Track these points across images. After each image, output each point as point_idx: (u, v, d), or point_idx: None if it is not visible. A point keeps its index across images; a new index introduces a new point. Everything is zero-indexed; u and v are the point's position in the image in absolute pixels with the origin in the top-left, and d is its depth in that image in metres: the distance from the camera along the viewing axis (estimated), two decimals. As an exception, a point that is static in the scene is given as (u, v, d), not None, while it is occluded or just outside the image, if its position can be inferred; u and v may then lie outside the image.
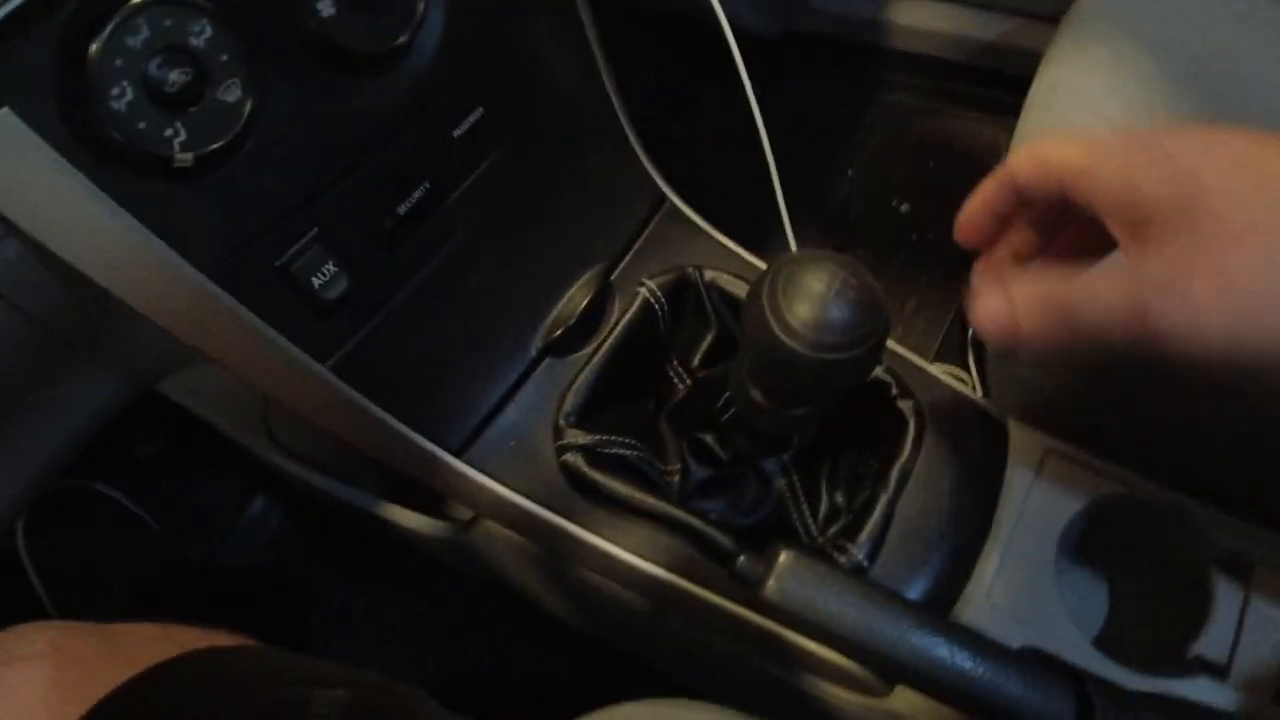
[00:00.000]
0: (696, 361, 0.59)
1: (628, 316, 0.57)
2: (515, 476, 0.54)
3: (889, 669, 0.43)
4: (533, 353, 0.56)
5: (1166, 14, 0.67)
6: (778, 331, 0.40)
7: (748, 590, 0.45)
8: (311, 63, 0.44)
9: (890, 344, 0.56)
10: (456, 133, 0.51)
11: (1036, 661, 0.43)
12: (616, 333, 0.56)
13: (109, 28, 0.36)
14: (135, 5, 0.36)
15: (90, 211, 0.38)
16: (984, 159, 0.99)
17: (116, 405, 0.60)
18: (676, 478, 0.56)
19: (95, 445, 0.59)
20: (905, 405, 0.54)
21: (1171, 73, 0.64)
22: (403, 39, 0.46)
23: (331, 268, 0.47)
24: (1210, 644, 0.48)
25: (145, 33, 0.37)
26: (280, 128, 0.43)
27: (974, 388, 0.86)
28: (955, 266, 0.50)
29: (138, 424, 0.90)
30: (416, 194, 0.50)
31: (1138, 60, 0.65)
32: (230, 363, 0.48)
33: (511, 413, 0.55)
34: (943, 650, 0.42)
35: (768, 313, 0.41)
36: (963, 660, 0.42)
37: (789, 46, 1.04)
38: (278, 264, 0.44)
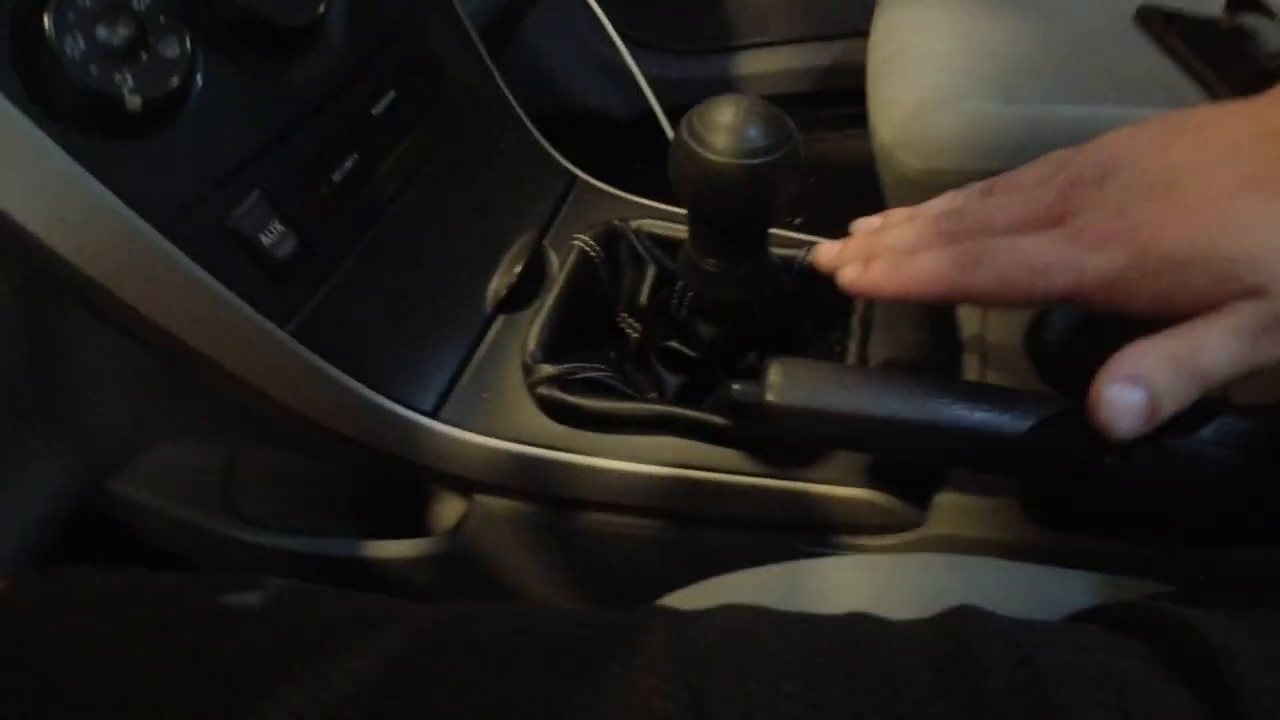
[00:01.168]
0: (643, 304, 0.61)
1: (568, 265, 0.59)
2: (496, 424, 0.53)
3: (912, 440, 0.42)
4: (486, 311, 0.57)
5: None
6: (705, 154, 0.43)
7: (748, 415, 0.44)
8: (238, 38, 0.47)
9: None
10: (374, 111, 0.55)
11: (1055, 397, 0.43)
12: (562, 279, 0.58)
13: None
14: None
15: (48, 170, 0.39)
16: (857, 167, 1.09)
17: (78, 494, 0.58)
18: (654, 397, 0.56)
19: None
20: None
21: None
22: (318, 13, 0.50)
23: (278, 226, 0.48)
24: None
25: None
26: (218, 94, 0.46)
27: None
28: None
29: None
30: (348, 163, 0.52)
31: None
32: (191, 336, 0.47)
33: (477, 368, 0.55)
34: (960, 404, 0.42)
35: (692, 144, 0.44)
36: (984, 412, 0.42)
37: (656, 123, 1.13)
38: (227, 224, 0.46)
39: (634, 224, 0.62)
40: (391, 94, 0.56)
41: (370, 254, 0.53)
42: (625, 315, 0.62)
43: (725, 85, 1.13)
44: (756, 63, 1.13)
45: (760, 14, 1.13)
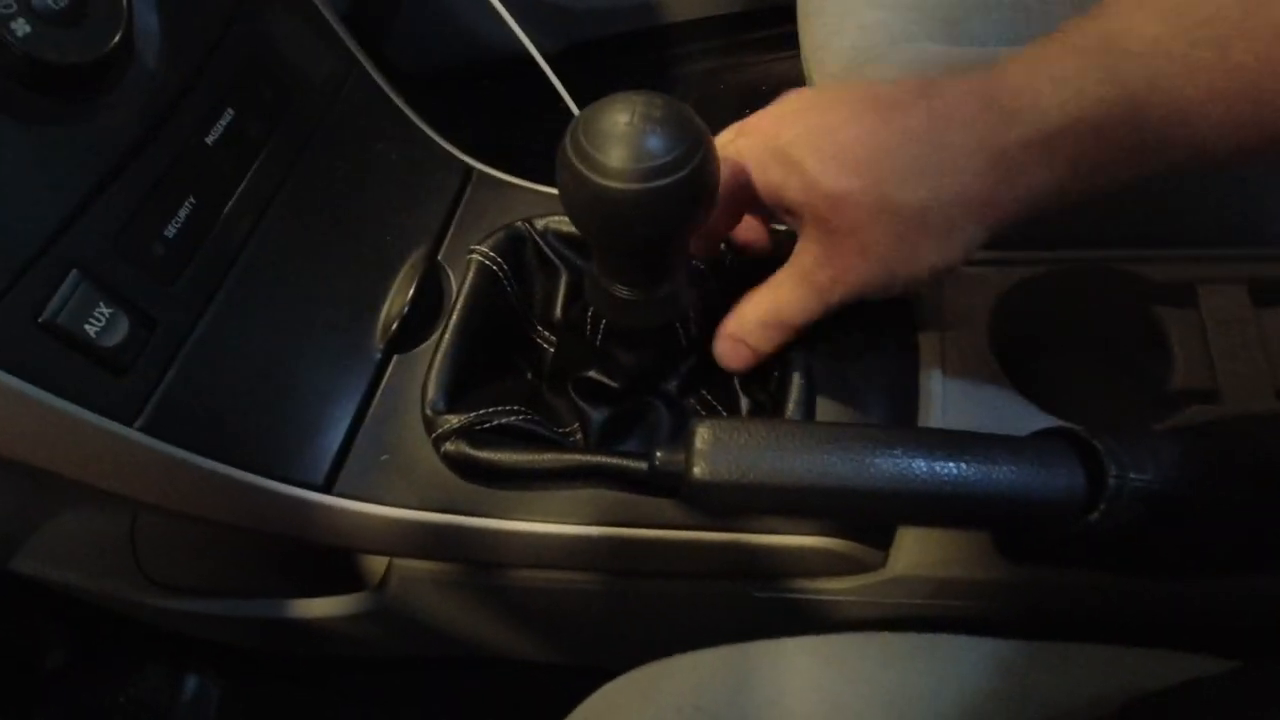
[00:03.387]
0: (559, 314, 0.54)
1: (466, 287, 0.51)
2: (399, 492, 0.46)
3: (864, 507, 0.37)
4: (376, 355, 0.49)
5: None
6: (596, 178, 0.35)
7: (676, 487, 0.38)
8: (24, 88, 0.39)
9: None
10: (209, 139, 0.46)
11: (1019, 438, 0.38)
12: (460, 306, 0.51)
13: None
14: None
15: None
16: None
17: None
18: (578, 435, 0.50)
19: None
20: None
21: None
22: (113, 43, 0.41)
23: (105, 310, 0.40)
24: (1188, 375, 0.44)
25: None
26: (5, 165, 0.38)
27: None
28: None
29: (38, 633, 0.79)
30: (182, 212, 0.44)
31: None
32: (25, 453, 0.41)
33: (373, 425, 0.48)
34: (917, 461, 0.36)
35: (578, 164, 0.36)
36: (941, 463, 0.36)
37: (577, 58, 1.03)
38: (41, 319, 0.38)
39: (540, 223, 0.54)
40: (229, 114, 0.47)
41: (226, 313, 0.45)
42: (540, 329, 0.55)
43: (643, 10, 1.02)
44: (678, -17, 1.02)
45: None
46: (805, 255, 0.41)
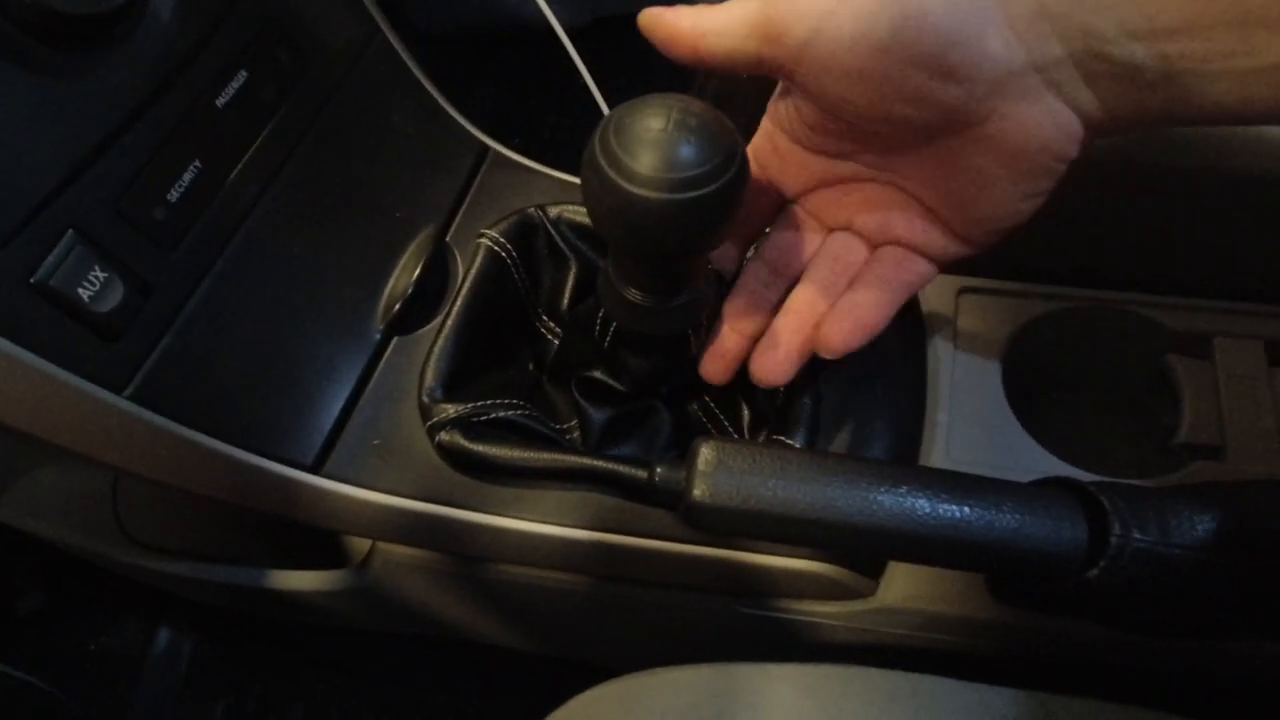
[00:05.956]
0: (565, 305, 0.52)
1: (473, 272, 0.50)
2: (389, 478, 0.46)
3: (863, 543, 0.36)
4: (376, 335, 0.48)
5: None
6: (625, 185, 0.34)
7: (674, 504, 0.37)
8: (31, 37, 0.37)
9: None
10: (220, 102, 0.44)
11: (1024, 486, 0.37)
12: (465, 292, 0.49)
13: None
14: None
15: None
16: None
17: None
18: (576, 433, 0.49)
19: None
20: None
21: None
22: None
23: (100, 274, 0.39)
24: (1195, 428, 0.43)
25: None
26: (6, 116, 0.36)
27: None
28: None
29: (13, 577, 0.78)
30: (187, 176, 0.43)
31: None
32: (10, 417, 0.39)
33: (367, 408, 0.47)
34: (920, 501, 0.35)
35: (608, 169, 0.34)
36: (945, 505, 0.35)
37: (601, 32, 1.01)
38: (33, 280, 0.37)
39: (553, 211, 0.52)
40: (242, 75, 0.45)
41: (224, 284, 0.44)
42: (545, 318, 0.54)
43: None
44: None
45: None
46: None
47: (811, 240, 0.42)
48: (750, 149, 0.40)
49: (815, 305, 0.41)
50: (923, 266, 0.39)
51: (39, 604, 0.81)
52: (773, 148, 0.41)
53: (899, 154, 0.36)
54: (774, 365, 0.42)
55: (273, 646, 0.80)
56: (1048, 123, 0.32)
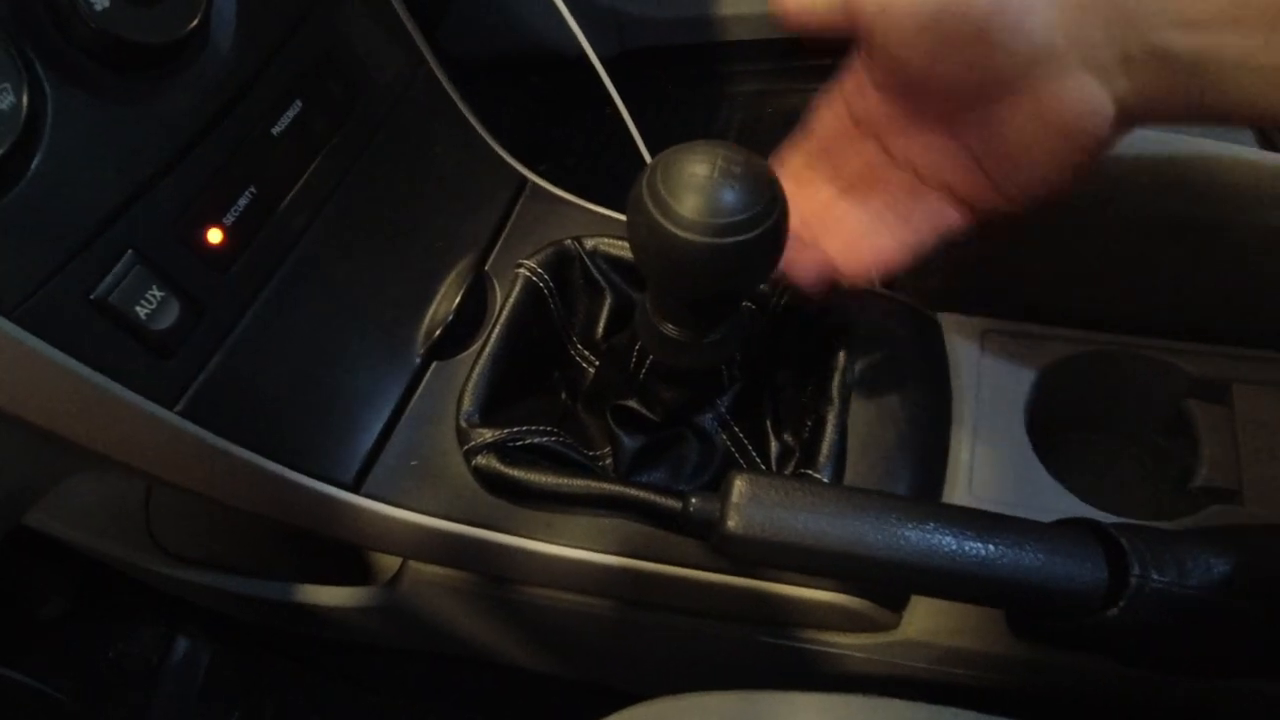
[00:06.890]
0: (600, 335, 0.54)
1: (511, 301, 0.52)
2: (426, 498, 0.47)
3: (890, 577, 0.37)
4: (416, 360, 0.50)
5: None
6: (670, 228, 0.36)
7: (706, 534, 0.38)
8: (96, 63, 0.39)
9: None
10: (275, 130, 0.46)
11: (1046, 525, 0.38)
12: (503, 320, 0.51)
13: None
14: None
15: None
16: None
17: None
18: (608, 460, 0.51)
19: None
20: (829, 320, 0.49)
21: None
22: (190, 27, 0.41)
23: (157, 293, 0.40)
24: (1212, 472, 0.44)
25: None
26: (72, 138, 0.37)
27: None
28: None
29: (37, 582, 0.79)
30: (242, 201, 0.44)
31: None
32: (62, 428, 0.41)
33: (406, 430, 0.48)
34: (946, 538, 0.37)
35: (654, 212, 0.36)
36: (970, 542, 0.37)
37: (628, 64, 1.03)
38: (93, 296, 0.38)
39: (589, 244, 0.54)
40: (297, 105, 0.47)
41: (274, 306, 0.45)
42: (580, 347, 0.55)
43: (700, 25, 1.01)
44: (736, 3, 1.02)
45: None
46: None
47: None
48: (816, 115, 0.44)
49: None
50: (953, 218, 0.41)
51: (61, 610, 0.82)
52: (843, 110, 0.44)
53: (957, 113, 0.39)
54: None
55: (289, 659, 0.81)
56: (1081, 99, 0.35)
